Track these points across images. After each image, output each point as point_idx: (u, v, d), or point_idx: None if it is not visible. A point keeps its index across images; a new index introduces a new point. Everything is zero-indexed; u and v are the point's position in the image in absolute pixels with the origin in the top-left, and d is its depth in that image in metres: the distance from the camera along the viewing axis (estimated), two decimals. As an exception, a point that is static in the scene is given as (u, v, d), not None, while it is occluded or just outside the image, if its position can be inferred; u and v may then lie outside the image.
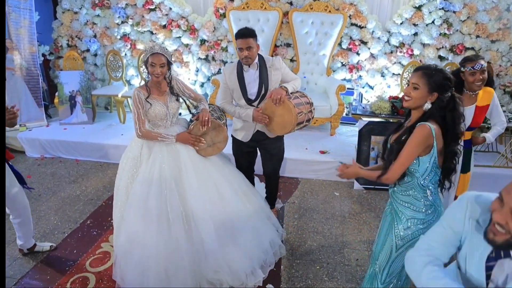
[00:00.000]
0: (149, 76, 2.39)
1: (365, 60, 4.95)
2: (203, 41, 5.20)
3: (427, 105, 1.68)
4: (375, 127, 3.72)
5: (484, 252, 1.10)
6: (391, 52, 4.89)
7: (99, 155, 4.41)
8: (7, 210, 2.53)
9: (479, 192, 1.19)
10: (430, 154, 1.68)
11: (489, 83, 2.53)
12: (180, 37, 5.23)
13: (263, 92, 2.64)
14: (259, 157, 3.03)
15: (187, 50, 5.29)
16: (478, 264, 1.12)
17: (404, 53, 4.83)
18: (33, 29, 4.82)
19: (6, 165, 2.45)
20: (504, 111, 4.17)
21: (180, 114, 2.98)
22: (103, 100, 5.76)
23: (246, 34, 2.49)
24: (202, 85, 5.42)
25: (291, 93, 2.60)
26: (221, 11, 4.99)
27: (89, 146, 4.42)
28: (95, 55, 5.55)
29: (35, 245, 2.77)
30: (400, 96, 4.02)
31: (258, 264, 2.48)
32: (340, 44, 4.91)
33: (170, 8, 5.11)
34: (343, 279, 2.58)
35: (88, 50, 5.53)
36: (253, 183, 3.06)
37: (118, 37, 5.39)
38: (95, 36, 5.46)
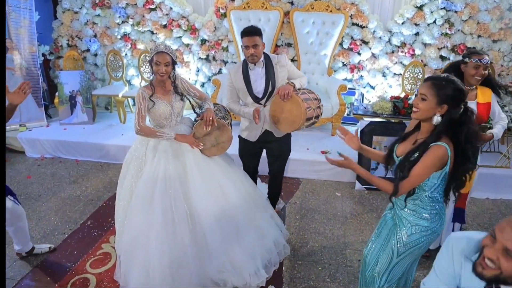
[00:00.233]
0: (154, 75, 2.38)
1: (366, 60, 4.93)
2: (203, 41, 5.19)
3: (437, 118, 1.60)
4: (377, 127, 3.71)
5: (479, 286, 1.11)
6: (393, 52, 4.87)
7: (99, 155, 4.40)
8: None
9: (461, 232, 1.24)
10: (442, 170, 1.63)
11: (490, 82, 2.51)
12: (180, 37, 5.21)
13: (270, 89, 2.60)
14: (263, 158, 3.00)
15: (187, 50, 5.27)
16: None
17: (405, 53, 4.81)
18: (33, 29, 4.81)
19: None
20: (506, 111, 4.20)
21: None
22: (103, 100, 5.74)
23: (252, 32, 2.48)
24: (202, 85, 5.41)
25: (298, 89, 2.58)
26: (222, 11, 4.97)
27: (89, 146, 4.40)
28: (95, 55, 5.54)
29: (33, 248, 2.74)
30: (402, 96, 4.00)
31: (262, 264, 2.46)
32: (341, 44, 4.89)
33: (171, 8, 5.09)
34: (345, 280, 2.56)
35: (88, 50, 5.52)
36: (256, 183, 3.04)
37: (119, 37, 5.38)
38: (95, 36, 5.44)
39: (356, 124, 4.85)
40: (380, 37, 4.82)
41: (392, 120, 3.83)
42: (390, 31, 4.80)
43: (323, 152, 4.09)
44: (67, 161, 4.39)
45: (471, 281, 1.13)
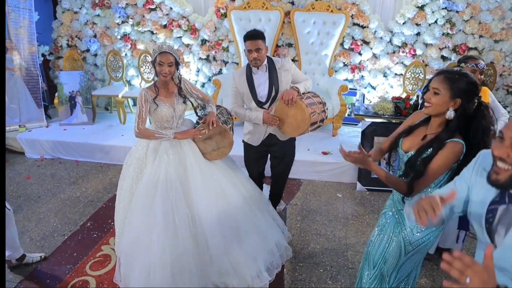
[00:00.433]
0: (157, 76, 2.35)
1: (367, 60, 4.91)
2: (204, 41, 5.17)
3: (450, 113, 1.55)
4: (378, 128, 3.68)
5: (487, 195, 1.10)
6: (394, 52, 4.85)
7: (99, 156, 4.38)
8: None
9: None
10: (450, 168, 1.59)
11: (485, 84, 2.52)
12: (180, 37, 5.20)
13: (273, 94, 2.58)
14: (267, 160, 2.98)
15: (188, 50, 5.25)
16: (480, 208, 1.12)
17: (406, 53, 4.79)
18: (32, 29, 4.79)
19: None
20: (508, 112, 4.18)
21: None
22: (103, 101, 5.72)
23: (255, 35, 2.46)
24: (203, 85, 5.39)
25: (302, 93, 2.55)
26: (222, 11, 4.95)
27: (89, 147, 4.38)
28: (95, 55, 5.52)
29: (24, 256, 2.64)
30: (403, 96, 3.98)
31: (264, 266, 2.44)
32: (342, 44, 4.87)
33: (171, 8, 5.08)
34: (347, 283, 2.54)
35: (88, 50, 5.50)
36: (261, 188, 3.01)
37: (119, 37, 5.36)
38: (95, 36, 5.42)
39: (357, 124, 4.84)
40: (381, 37, 4.80)
41: (394, 121, 3.80)
42: (391, 31, 4.78)
43: (324, 153, 4.07)
44: (67, 162, 4.37)
45: (482, 191, 1.11)
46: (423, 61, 4.75)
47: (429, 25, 4.66)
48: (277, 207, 3.23)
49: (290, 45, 5.02)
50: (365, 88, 5.05)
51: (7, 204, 2.47)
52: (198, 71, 5.35)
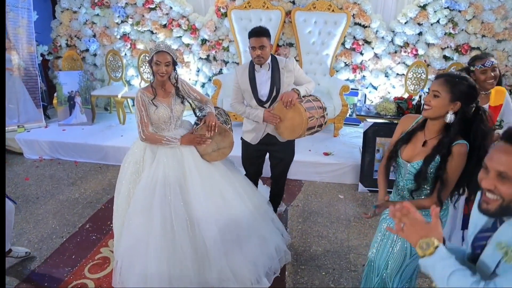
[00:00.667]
0: (153, 76, 2.30)
1: (368, 60, 4.88)
2: (204, 41, 5.13)
3: (450, 116, 1.56)
4: (380, 129, 3.64)
5: (478, 223, 1.15)
6: (395, 52, 4.81)
7: (99, 156, 4.34)
8: None
9: None
10: None
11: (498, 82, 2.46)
12: (180, 36, 5.16)
13: (274, 93, 2.55)
14: (266, 160, 2.94)
15: (188, 50, 5.21)
16: (471, 235, 1.17)
17: (408, 53, 4.75)
18: (31, 29, 4.75)
19: None
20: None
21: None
22: (103, 101, 5.68)
23: (260, 32, 2.42)
24: (203, 85, 5.35)
25: (303, 97, 2.51)
26: (223, 10, 4.91)
27: (89, 147, 4.34)
28: (95, 55, 5.48)
29: (10, 250, 2.63)
30: (405, 97, 3.94)
31: (263, 271, 2.40)
32: (343, 44, 4.83)
33: (171, 7, 5.04)
34: (350, 286, 2.50)
35: (87, 50, 5.46)
36: (257, 185, 2.98)
37: (118, 36, 5.32)
38: (94, 36, 5.39)
39: (358, 124, 4.80)
40: (382, 37, 4.76)
41: (396, 121, 3.76)
42: (393, 31, 4.75)
43: (325, 154, 4.04)
44: (65, 163, 4.33)
45: (478, 219, 1.16)
46: (425, 61, 4.71)
47: (431, 24, 4.62)
48: (278, 209, 3.20)
49: (291, 44, 4.98)
50: (367, 88, 5.01)
51: (10, 201, 2.45)
52: (198, 71, 5.31)
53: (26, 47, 4.72)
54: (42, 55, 5.31)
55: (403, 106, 3.68)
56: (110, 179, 3.90)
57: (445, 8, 4.50)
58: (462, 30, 4.58)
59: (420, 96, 3.81)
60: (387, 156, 1.81)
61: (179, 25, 5.08)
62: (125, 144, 4.17)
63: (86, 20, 5.31)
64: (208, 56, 5.19)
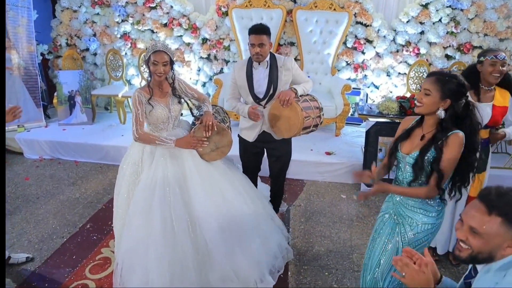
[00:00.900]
0: (150, 76, 2.27)
1: (370, 59, 4.85)
2: (205, 40, 5.10)
3: (441, 112, 1.65)
4: (383, 128, 3.62)
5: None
6: (397, 51, 4.79)
7: (99, 156, 4.31)
8: None
9: None
10: None
11: (510, 86, 2.43)
12: (181, 35, 5.13)
13: (271, 91, 2.55)
14: (265, 159, 2.94)
15: (188, 49, 5.19)
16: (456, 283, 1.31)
17: (410, 52, 4.73)
18: (31, 28, 4.73)
19: None
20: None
21: (181, 114, 2.87)
22: (103, 100, 5.66)
23: (260, 30, 2.42)
24: (204, 84, 5.33)
25: (300, 96, 2.52)
26: (224, 9, 4.89)
27: (89, 147, 4.32)
28: (95, 54, 5.45)
29: (9, 257, 2.58)
30: (408, 96, 3.92)
31: (267, 269, 2.38)
32: (345, 43, 4.81)
33: (171, 6, 5.01)
34: (353, 286, 2.48)
35: (87, 49, 5.43)
36: (256, 184, 2.97)
37: (118, 36, 5.29)
38: (94, 35, 5.36)
39: (360, 124, 4.78)
40: (384, 36, 4.74)
41: (398, 121, 3.74)
42: (395, 30, 4.73)
43: (327, 153, 4.01)
44: (66, 163, 4.31)
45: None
46: (427, 60, 4.69)
47: (433, 23, 4.60)
48: (280, 208, 3.18)
49: (292, 44, 4.96)
50: (368, 87, 4.99)
51: None
52: (199, 70, 5.29)
53: (26, 46, 4.69)
54: (42, 54, 5.29)
55: (405, 105, 3.66)
56: (110, 179, 3.87)
57: (447, 7, 4.48)
58: (464, 29, 4.56)
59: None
60: (388, 153, 1.88)
61: (180, 24, 5.06)
62: (125, 144, 4.13)
63: (86, 19, 5.29)
64: (209, 55, 5.16)
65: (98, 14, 5.25)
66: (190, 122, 2.57)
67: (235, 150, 2.76)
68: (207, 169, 2.37)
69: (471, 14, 4.45)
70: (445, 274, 2.54)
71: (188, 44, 5.17)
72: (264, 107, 2.61)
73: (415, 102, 1.74)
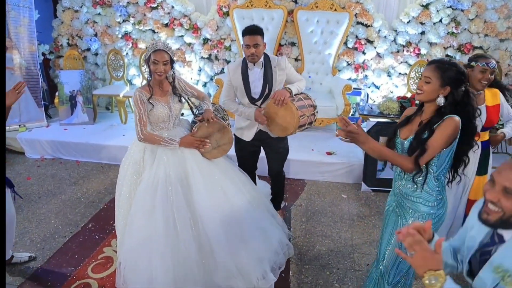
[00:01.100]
0: (151, 75, 2.28)
1: (371, 59, 4.86)
2: (206, 40, 5.11)
3: (440, 99, 1.66)
4: (384, 128, 3.63)
5: (477, 237, 1.18)
6: (398, 51, 4.80)
7: (100, 156, 4.32)
8: None
9: None
10: (451, 147, 1.66)
11: (498, 85, 2.46)
12: (182, 36, 5.14)
13: (266, 92, 2.58)
14: (263, 158, 2.95)
15: (189, 49, 5.20)
16: (470, 249, 1.20)
17: (411, 52, 4.74)
18: (32, 28, 4.73)
19: None
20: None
21: (182, 114, 2.89)
22: (104, 100, 5.67)
23: (254, 31, 2.44)
24: (205, 84, 5.34)
25: (295, 95, 2.56)
26: (225, 10, 4.90)
27: (90, 147, 4.33)
28: (96, 54, 5.46)
29: (12, 256, 2.58)
30: (408, 96, 3.93)
31: (269, 266, 2.39)
32: (345, 43, 4.82)
33: (173, 7, 5.02)
34: (354, 285, 2.49)
35: (88, 49, 5.45)
36: (255, 182, 2.99)
37: (120, 36, 5.30)
38: (96, 35, 5.37)
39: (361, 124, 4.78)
40: (385, 36, 4.75)
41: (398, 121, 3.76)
42: (395, 30, 4.74)
43: (328, 153, 4.02)
44: (67, 162, 4.32)
45: (476, 229, 1.20)
46: (427, 60, 4.70)
47: (434, 24, 4.61)
48: (281, 206, 3.20)
49: (293, 44, 4.97)
50: (369, 87, 5.00)
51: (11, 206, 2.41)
52: (200, 70, 5.30)
53: (27, 46, 4.70)
54: (43, 54, 5.29)
55: (406, 105, 3.68)
56: (112, 179, 3.88)
57: (447, 7, 4.49)
58: (465, 29, 4.57)
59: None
60: (388, 138, 1.90)
61: (181, 24, 5.07)
62: (127, 144, 4.07)
63: (88, 19, 5.30)
64: (210, 55, 5.17)
65: (99, 14, 5.26)
66: (190, 121, 2.58)
67: (231, 150, 2.78)
68: (208, 167, 2.38)
69: (471, 15, 4.46)
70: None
71: (189, 44, 5.18)
72: (260, 107, 2.63)
73: (416, 90, 1.77)
